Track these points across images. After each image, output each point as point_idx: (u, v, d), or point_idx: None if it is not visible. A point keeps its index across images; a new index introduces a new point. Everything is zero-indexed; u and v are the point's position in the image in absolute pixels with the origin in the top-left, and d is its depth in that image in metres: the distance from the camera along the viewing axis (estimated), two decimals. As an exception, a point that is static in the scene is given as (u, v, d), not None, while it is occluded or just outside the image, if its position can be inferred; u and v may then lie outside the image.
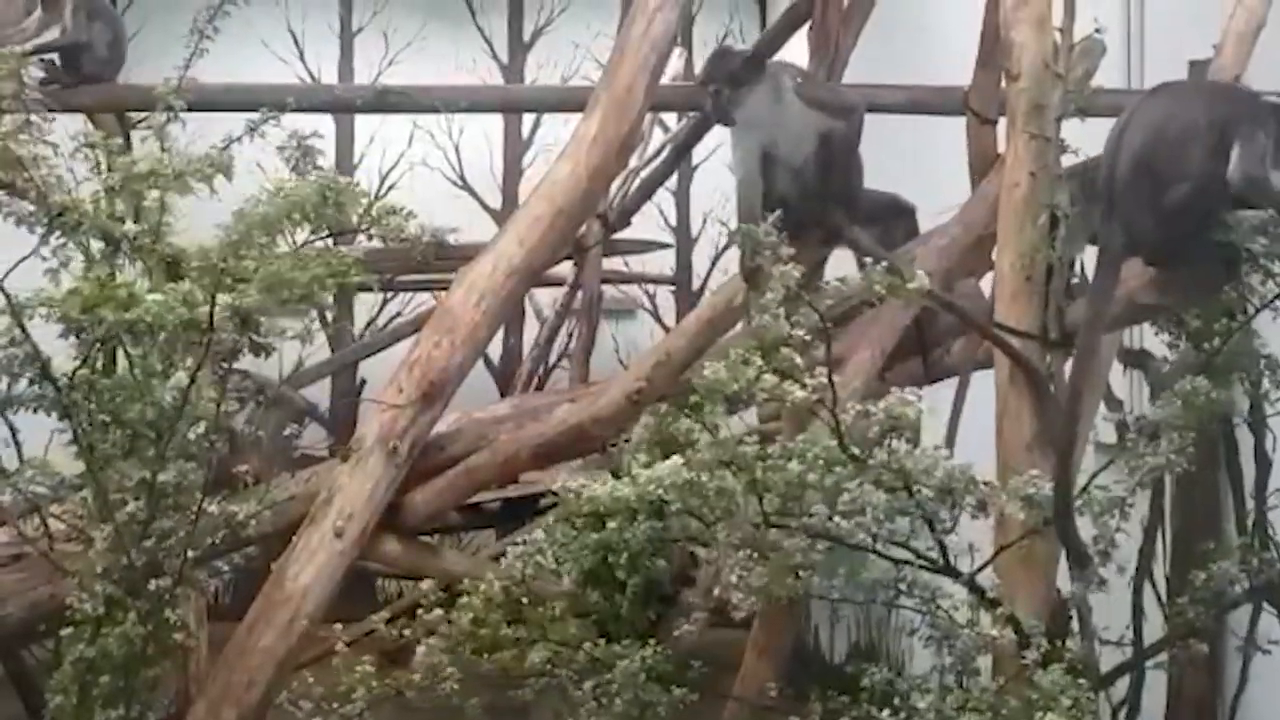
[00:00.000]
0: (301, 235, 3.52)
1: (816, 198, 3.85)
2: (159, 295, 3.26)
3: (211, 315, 3.22)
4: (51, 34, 4.79)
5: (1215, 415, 3.05)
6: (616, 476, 3.19)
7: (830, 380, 2.80)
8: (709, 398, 2.97)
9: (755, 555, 2.93)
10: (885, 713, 2.78)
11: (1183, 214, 2.93)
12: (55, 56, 5.00)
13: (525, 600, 3.38)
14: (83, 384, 3.37)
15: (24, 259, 3.32)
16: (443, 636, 3.29)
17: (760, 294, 2.88)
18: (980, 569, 2.98)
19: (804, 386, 2.80)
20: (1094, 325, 3.05)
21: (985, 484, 2.92)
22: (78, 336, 3.34)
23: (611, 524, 3.29)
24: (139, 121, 4.95)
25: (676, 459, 2.98)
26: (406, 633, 3.44)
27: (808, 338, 2.86)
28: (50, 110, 3.40)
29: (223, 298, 3.21)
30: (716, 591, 2.93)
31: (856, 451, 2.83)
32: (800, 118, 3.82)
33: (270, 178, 3.50)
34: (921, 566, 2.94)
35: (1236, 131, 2.90)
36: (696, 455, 2.99)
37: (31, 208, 3.34)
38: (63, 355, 3.38)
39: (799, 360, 2.85)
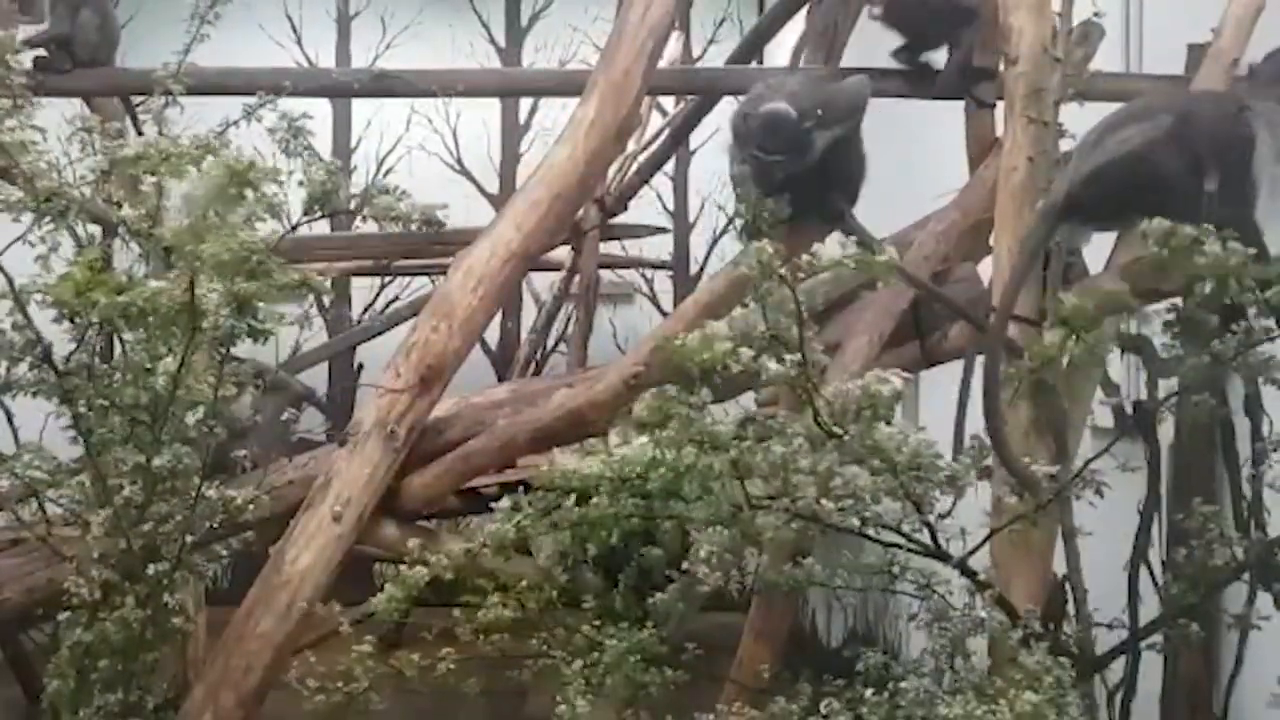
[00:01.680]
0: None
1: (818, 184, 3.83)
2: (158, 281, 3.25)
3: (192, 299, 3.20)
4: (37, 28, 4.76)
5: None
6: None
7: (804, 357, 2.75)
8: (683, 367, 2.93)
9: (740, 536, 2.92)
10: (869, 692, 2.79)
11: (1100, 177, 3.07)
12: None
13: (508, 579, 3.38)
14: (80, 369, 3.36)
15: (10, 244, 3.30)
16: (402, 585, 3.29)
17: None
18: (971, 552, 2.98)
19: (782, 361, 2.76)
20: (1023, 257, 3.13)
21: (954, 460, 2.91)
22: (71, 321, 3.34)
23: (594, 500, 3.28)
24: (139, 105, 4.91)
25: (643, 437, 2.97)
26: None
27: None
28: (44, 95, 3.37)
29: (215, 285, 3.20)
30: (684, 565, 2.93)
31: (837, 430, 2.80)
32: (809, 140, 3.72)
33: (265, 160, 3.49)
34: (913, 551, 2.94)
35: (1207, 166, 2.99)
36: (664, 433, 2.96)
37: (20, 194, 3.31)
38: (56, 340, 3.37)
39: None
